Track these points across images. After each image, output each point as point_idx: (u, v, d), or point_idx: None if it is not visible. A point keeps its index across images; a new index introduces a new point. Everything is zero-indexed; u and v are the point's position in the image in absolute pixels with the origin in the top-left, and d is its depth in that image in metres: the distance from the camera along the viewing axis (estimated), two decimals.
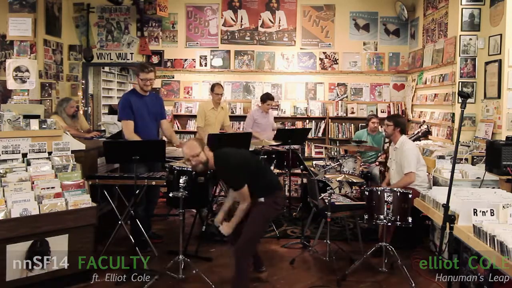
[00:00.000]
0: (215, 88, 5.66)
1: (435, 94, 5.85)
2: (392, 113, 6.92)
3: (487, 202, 2.51)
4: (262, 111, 6.04)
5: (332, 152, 6.65)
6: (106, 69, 10.02)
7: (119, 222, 4.01)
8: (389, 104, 7.03)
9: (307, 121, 7.05)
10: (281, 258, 4.18)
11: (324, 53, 7.08)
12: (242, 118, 6.84)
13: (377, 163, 5.73)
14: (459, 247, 3.30)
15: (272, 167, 5.86)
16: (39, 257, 3.26)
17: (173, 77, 7.21)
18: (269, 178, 3.37)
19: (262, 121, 6.03)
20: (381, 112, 6.97)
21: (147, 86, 4.24)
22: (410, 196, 3.58)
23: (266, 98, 5.97)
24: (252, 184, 3.18)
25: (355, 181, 4.32)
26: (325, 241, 3.93)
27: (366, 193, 3.72)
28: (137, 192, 3.77)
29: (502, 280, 2.70)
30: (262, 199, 3.19)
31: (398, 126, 4.40)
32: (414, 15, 6.76)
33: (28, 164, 3.58)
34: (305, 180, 5.76)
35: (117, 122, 6.08)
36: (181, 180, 3.41)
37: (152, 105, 4.37)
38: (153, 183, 3.88)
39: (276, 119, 6.99)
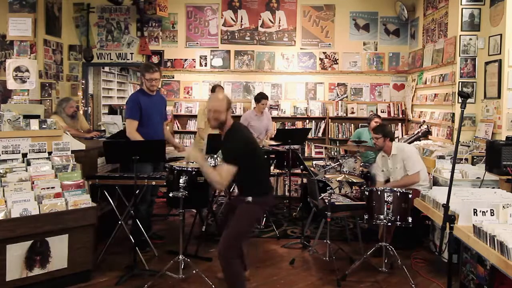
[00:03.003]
0: (217, 89, 5.62)
1: (435, 94, 5.85)
2: (392, 113, 6.93)
3: (487, 202, 2.50)
4: (256, 113, 5.94)
5: (332, 152, 6.65)
6: (106, 69, 10.02)
7: (119, 222, 4.01)
8: (389, 104, 7.03)
9: (307, 121, 7.05)
10: (281, 258, 4.19)
11: (324, 53, 7.08)
12: None
13: None
14: (459, 247, 3.31)
15: (272, 167, 5.88)
16: (39, 257, 3.26)
17: (173, 77, 7.21)
18: (265, 179, 3.22)
19: (256, 123, 5.86)
20: (381, 112, 6.96)
21: (153, 86, 4.27)
22: (410, 196, 3.58)
23: (261, 97, 5.86)
24: (247, 178, 3.03)
25: (355, 181, 4.32)
26: (325, 241, 3.93)
27: (366, 193, 3.72)
28: (137, 192, 3.77)
29: (502, 280, 2.70)
30: (249, 199, 2.99)
31: (387, 136, 4.37)
32: (414, 15, 6.76)
33: (28, 164, 3.58)
34: (305, 180, 5.76)
35: (117, 122, 6.09)
36: (181, 180, 3.41)
37: (159, 105, 4.42)
38: (153, 183, 3.88)
39: (276, 119, 7.00)
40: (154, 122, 4.31)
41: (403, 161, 4.28)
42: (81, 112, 6.54)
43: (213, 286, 3.42)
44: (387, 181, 4.58)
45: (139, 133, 4.18)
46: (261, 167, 3.15)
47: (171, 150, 4.57)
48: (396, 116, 6.97)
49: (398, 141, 5.59)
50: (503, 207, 2.37)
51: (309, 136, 6.86)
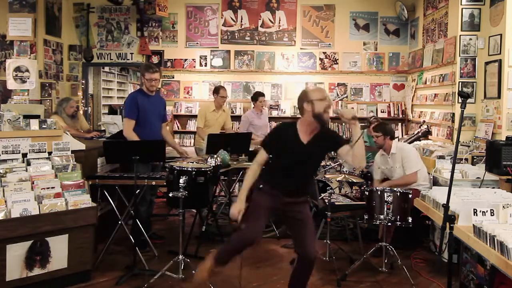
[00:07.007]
0: (220, 90, 5.57)
1: (435, 94, 5.85)
2: (392, 113, 6.93)
3: (487, 202, 2.50)
4: (257, 112, 6.02)
5: (332, 152, 6.63)
6: (106, 69, 10.02)
7: (119, 222, 4.01)
8: (389, 104, 7.03)
9: None
10: (281, 258, 4.18)
11: (324, 53, 7.08)
12: None
13: None
14: (459, 247, 3.31)
15: None
16: (39, 257, 3.26)
17: (173, 77, 7.21)
18: None
19: (258, 122, 5.98)
20: (381, 112, 6.97)
21: (153, 86, 4.24)
22: (410, 196, 3.58)
23: (258, 95, 5.96)
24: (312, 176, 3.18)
25: (355, 181, 4.32)
26: (325, 241, 3.93)
27: (366, 193, 3.72)
28: (137, 192, 3.77)
29: (502, 280, 2.70)
30: (308, 199, 3.13)
31: (387, 135, 4.34)
32: (414, 15, 6.76)
33: (28, 164, 3.57)
34: None
35: (117, 122, 6.09)
36: (181, 180, 3.40)
37: (157, 106, 4.40)
38: (153, 183, 3.88)
39: (276, 119, 7.00)
40: (152, 123, 4.30)
41: (402, 160, 4.27)
42: (81, 112, 6.54)
43: (212, 287, 3.42)
44: (385, 179, 4.56)
45: (136, 133, 4.15)
46: None
47: (171, 150, 4.57)
48: (396, 116, 6.98)
49: (398, 140, 5.59)
50: (503, 207, 2.37)
51: None
